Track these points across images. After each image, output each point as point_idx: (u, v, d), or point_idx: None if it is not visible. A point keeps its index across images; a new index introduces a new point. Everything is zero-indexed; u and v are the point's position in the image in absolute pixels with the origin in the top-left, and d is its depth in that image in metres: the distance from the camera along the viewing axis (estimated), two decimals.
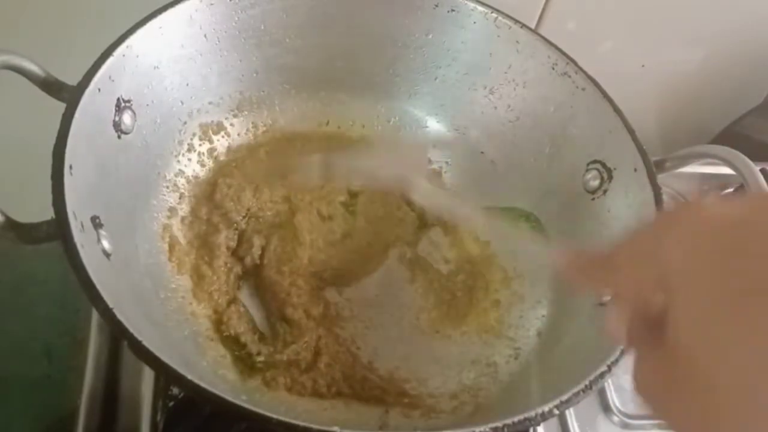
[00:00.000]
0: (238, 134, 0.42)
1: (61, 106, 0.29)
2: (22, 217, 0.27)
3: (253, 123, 0.43)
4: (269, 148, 0.42)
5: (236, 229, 0.38)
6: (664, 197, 0.34)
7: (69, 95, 0.29)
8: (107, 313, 0.24)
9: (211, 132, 0.40)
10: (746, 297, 0.15)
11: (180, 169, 0.38)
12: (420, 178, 0.33)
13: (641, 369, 0.18)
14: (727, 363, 0.15)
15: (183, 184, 0.38)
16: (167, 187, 0.37)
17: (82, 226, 0.27)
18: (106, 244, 0.29)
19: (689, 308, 0.16)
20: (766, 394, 0.14)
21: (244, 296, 0.37)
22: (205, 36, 0.37)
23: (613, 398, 0.41)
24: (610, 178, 0.37)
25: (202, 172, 0.40)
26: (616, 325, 0.20)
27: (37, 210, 0.27)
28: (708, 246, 0.16)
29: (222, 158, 0.41)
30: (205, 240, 0.37)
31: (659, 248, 0.17)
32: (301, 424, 0.23)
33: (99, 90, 0.30)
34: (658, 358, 0.17)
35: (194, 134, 0.39)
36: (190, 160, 0.39)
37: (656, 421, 0.41)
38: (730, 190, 0.54)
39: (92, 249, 0.27)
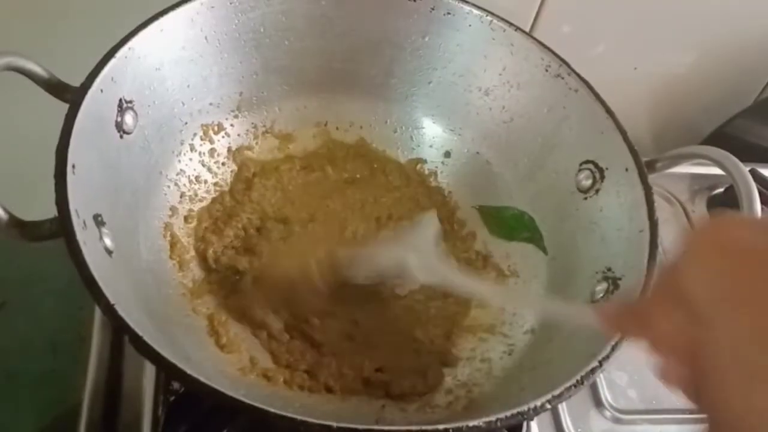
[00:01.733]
0: (238, 134, 0.43)
1: (64, 107, 0.29)
2: (26, 215, 0.27)
3: (252, 123, 0.43)
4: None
5: (240, 227, 0.39)
6: (655, 197, 0.34)
7: (72, 96, 0.30)
8: (109, 310, 0.25)
9: (211, 132, 0.41)
10: None
11: (181, 169, 0.39)
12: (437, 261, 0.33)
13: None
14: None
15: (184, 184, 0.39)
16: (168, 186, 0.38)
17: (85, 224, 0.27)
18: (108, 241, 0.29)
19: (730, 339, 0.14)
20: None
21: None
22: (205, 38, 0.38)
23: (605, 393, 0.42)
24: (603, 177, 0.37)
25: (202, 172, 0.40)
26: (669, 378, 0.18)
27: (40, 208, 0.27)
28: (729, 272, 0.15)
29: (221, 159, 0.42)
30: (207, 239, 0.38)
31: (685, 286, 0.16)
32: (299, 417, 0.24)
33: (101, 91, 0.31)
34: (718, 420, 0.15)
35: (195, 134, 0.40)
36: (191, 159, 0.40)
37: (648, 416, 0.42)
38: (720, 190, 0.55)
39: (94, 246, 0.28)
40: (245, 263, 0.37)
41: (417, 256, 0.33)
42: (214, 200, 0.40)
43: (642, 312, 0.19)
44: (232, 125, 0.42)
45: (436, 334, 0.37)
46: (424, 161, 0.46)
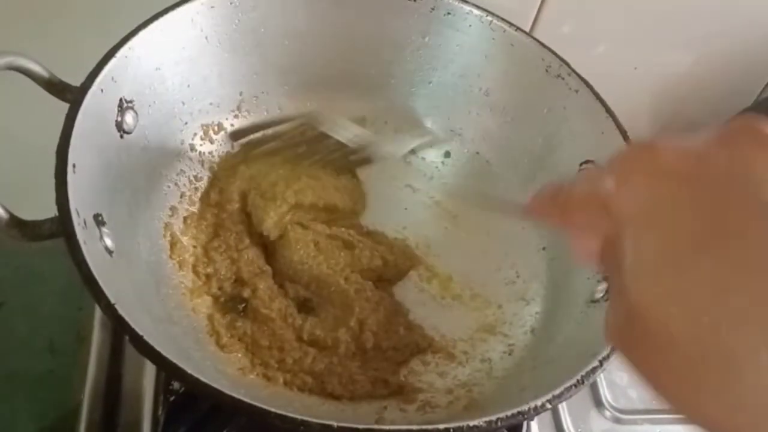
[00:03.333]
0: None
1: (64, 107, 0.29)
2: (26, 214, 0.27)
3: (252, 123, 0.43)
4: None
5: (241, 227, 0.39)
6: None
7: (72, 96, 0.30)
8: (109, 309, 0.25)
9: (212, 132, 0.41)
10: (698, 248, 0.14)
11: (181, 169, 0.39)
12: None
13: (610, 312, 0.17)
14: (680, 317, 0.14)
15: (184, 184, 0.39)
16: (169, 186, 0.38)
17: (85, 223, 0.27)
18: (108, 241, 0.29)
19: (639, 259, 0.15)
20: (718, 347, 0.13)
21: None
22: (206, 38, 0.38)
23: (605, 393, 0.42)
24: None
25: (202, 172, 0.40)
26: (582, 252, 0.19)
27: (40, 208, 0.27)
28: (661, 194, 0.15)
29: (222, 159, 0.42)
30: (207, 238, 0.38)
31: (612, 193, 0.17)
32: (299, 417, 0.24)
33: (102, 91, 0.31)
34: (620, 305, 0.16)
35: (195, 134, 0.40)
36: (191, 159, 0.40)
37: (648, 416, 0.42)
38: None
39: (95, 246, 0.28)
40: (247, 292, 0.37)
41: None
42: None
43: (562, 198, 0.20)
44: (232, 125, 0.42)
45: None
46: (413, 151, 0.45)
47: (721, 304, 0.14)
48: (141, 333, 0.24)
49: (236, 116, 0.42)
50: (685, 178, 0.15)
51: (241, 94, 0.42)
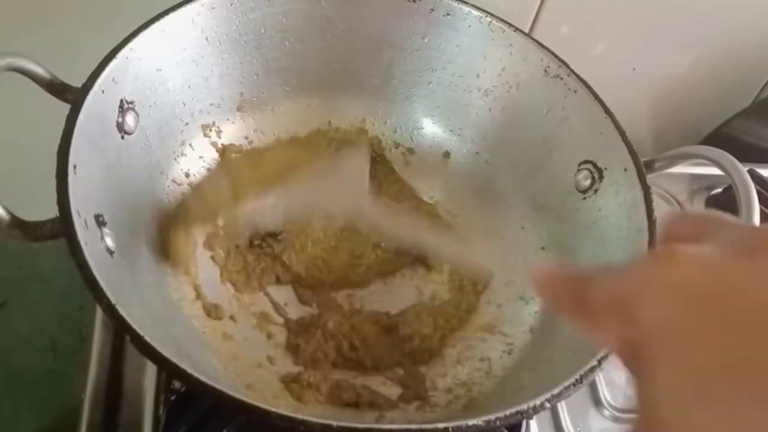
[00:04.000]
0: (239, 135, 0.43)
1: (65, 107, 0.30)
2: (28, 215, 0.27)
3: (253, 124, 0.43)
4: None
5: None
6: (654, 197, 0.35)
7: (73, 96, 0.30)
8: (110, 309, 0.25)
9: (212, 133, 0.41)
10: (727, 381, 0.13)
11: (182, 169, 0.39)
12: (365, 201, 0.31)
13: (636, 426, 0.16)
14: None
15: (185, 184, 0.39)
16: (169, 187, 0.38)
17: (86, 224, 0.27)
18: (109, 241, 0.29)
19: (663, 378, 0.14)
20: None
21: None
22: (206, 39, 0.38)
23: (604, 392, 0.42)
24: (601, 178, 0.38)
25: (203, 172, 0.40)
26: (603, 342, 0.18)
27: (42, 208, 0.27)
28: (690, 316, 0.15)
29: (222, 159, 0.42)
30: (207, 238, 0.38)
31: (637, 303, 0.16)
32: (299, 417, 0.24)
33: (103, 91, 0.31)
34: (643, 414, 0.15)
35: (196, 135, 0.40)
36: (191, 160, 0.40)
37: None
38: (719, 190, 0.55)
39: (96, 247, 0.28)
40: None
41: (343, 196, 0.32)
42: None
43: (582, 294, 0.18)
44: (232, 125, 0.42)
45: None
46: (413, 151, 0.46)
47: None
48: (142, 333, 0.25)
49: (236, 117, 0.42)
50: (711, 302, 0.14)
51: (241, 94, 0.42)
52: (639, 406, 0.16)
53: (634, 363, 0.16)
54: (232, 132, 0.42)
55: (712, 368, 0.14)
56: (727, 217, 0.17)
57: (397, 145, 0.46)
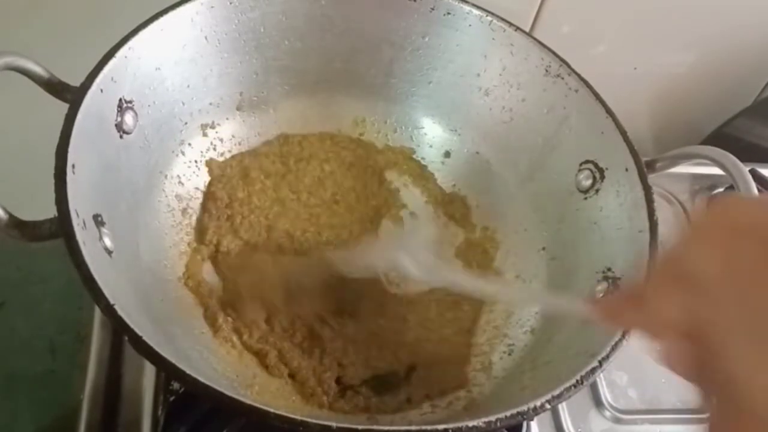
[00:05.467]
0: (239, 134, 0.43)
1: (64, 107, 0.29)
2: (26, 215, 0.27)
3: (252, 124, 0.43)
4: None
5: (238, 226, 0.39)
6: (655, 197, 0.34)
7: (72, 96, 0.30)
8: (109, 310, 0.25)
9: (211, 132, 0.41)
10: None
11: (181, 169, 0.39)
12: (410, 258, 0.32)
13: (713, 416, 0.15)
14: None
15: (184, 184, 0.39)
16: (168, 186, 0.38)
17: (84, 224, 0.27)
18: (107, 241, 0.29)
19: (738, 328, 0.14)
20: None
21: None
22: (205, 38, 0.38)
23: (605, 393, 0.42)
24: (602, 177, 0.37)
25: (203, 172, 0.40)
26: (674, 362, 0.18)
27: (40, 208, 0.27)
28: (738, 249, 0.14)
29: (222, 159, 0.42)
30: (206, 237, 0.38)
31: (692, 268, 0.15)
32: (299, 417, 0.24)
33: (101, 91, 0.31)
34: (724, 400, 0.15)
35: (195, 134, 0.40)
36: (191, 159, 0.40)
37: (648, 416, 0.42)
38: (720, 190, 0.55)
39: (94, 247, 0.28)
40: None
41: (409, 253, 0.33)
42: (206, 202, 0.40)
43: (640, 298, 0.18)
44: (232, 125, 0.42)
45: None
46: (413, 150, 0.46)
47: None
48: (140, 333, 0.25)
49: (236, 116, 0.42)
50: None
51: (241, 94, 0.42)
52: (712, 392, 0.15)
53: (705, 349, 0.15)
54: (231, 132, 0.42)
55: None
56: None
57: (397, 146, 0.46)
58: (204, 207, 0.39)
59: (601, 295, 0.34)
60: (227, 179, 0.40)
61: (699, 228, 0.16)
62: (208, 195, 0.40)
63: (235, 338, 0.35)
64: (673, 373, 0.18)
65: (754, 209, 0.15)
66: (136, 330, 0.25)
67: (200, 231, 0.38)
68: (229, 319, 0.35)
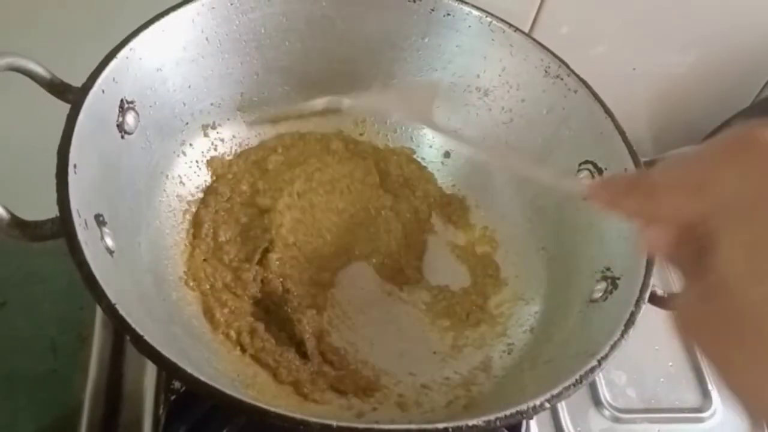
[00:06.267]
0: (240, 135, 0.43)
1: (65, 107, 0.30)
2: (27, 215, 0.27)
3: (253, 124, 0.43)
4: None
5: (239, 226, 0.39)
6: None
7: (73, 96, 0.30)
8: (110, 309, 0.25)
9: (212, 132, 0.41)
10: None
11: (182, 169, 0.39)
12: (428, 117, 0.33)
13: (685, 301, 0.16)
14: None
15: (185, 184, 0.39)
16: (169, 186, 0.38)
17: (86, 224, 0.27)
18: (109, 241, 0.29)
19: (742, 242, 0.15)
20: None
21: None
22: (206, 39, 0.38)
23: (604, 392, 0.42)
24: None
25: (203, 173, 0.40)
26: (656, 244, 0.18)
27: (41, 208, 0.27)
28: (758, 169, 0.15)
29: (223, 158, 0.42)
30: (206, 238, 0.38)
31: (712, 178, 0.16)
32: (299, 416, 0.24)
33: (103, 91, 0.31)
34: (703, 293, 0.16)
35: (196, 135, 0.40)
36: (191, 160, 0.40)
37: (647, 415, 0.42)
38: None
39: (96, 246, 0.28)
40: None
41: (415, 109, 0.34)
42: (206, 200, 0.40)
43: (647, 184, 0.19)
44: (233, 126, 0.42)
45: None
46: (413, 151, 0.46)
47: None
48: (142, 333, 0.25)
49: (237, 117, 0.42)
50: None
51: (242, 94, 0.42)
52: (684, 291, 0.16)
53: (691, 248, 0.16)
54: (232, 132, 0.42)
55: None
56: None
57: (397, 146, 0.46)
58: (203, 201, 0.39)
59: (600, 294, 0.34)
60: (232, 175, 0.40)
61: (728, 144, 0.17)
62: (210, 190, 0.39)
63: (232, 333, 0.35)
64: (652, 251, 0.19)
65: None
66: (138, 329, 0.25)
67: (196, 225, 0.38)
68: (225, 310, 0.35)
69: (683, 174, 0.17)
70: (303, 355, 0.35)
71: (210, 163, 0.41)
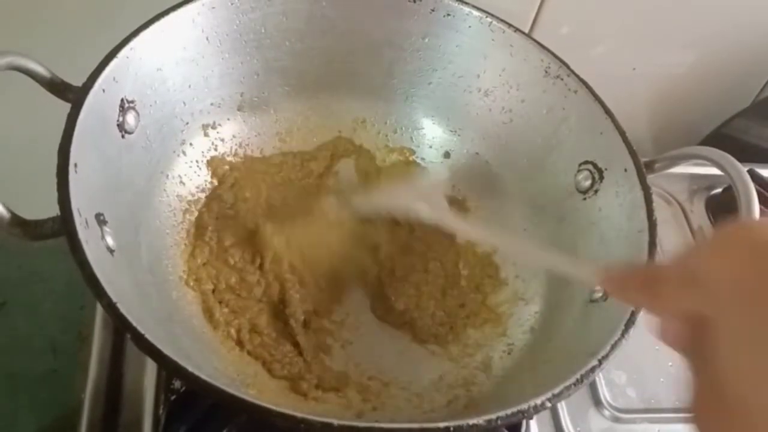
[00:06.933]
0: (240, 135, 0.43)
1: (66, 106, 0.30)
2: (28, 214, 0.27)
3: (253, 124, 0.43)
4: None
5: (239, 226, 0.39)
6: (654, 197, 0.35)
7: (74, 96, 0.30)
8: (111, 308, 0.25)
9: (212, 132, 0.41)
10: None
11: (182, 169, 0.39)
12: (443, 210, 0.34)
13: (693, 387, 0.17)
14: (764, 396, 0.14)
15: (185, 183, 0.39)
16: (169, 186, 0.38)
17: (87, 223, 0.27)
18: (110, 240, 0.29)
19: (732, 334, 0.15)
20: None
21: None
22: (207, 39, 0.38)
23: (604, 392, 0.42)
24: (602, 178, 0.38)
25: (204, 172, 0.41)
26: (665, 337, 0.19)
27: (42, 207, 0.27)
28: (761, 265, 0.15)
29: (224, 159, 0.42)
30: (209, 241, 0.38)
31: (707, 270, 0.17)
32: (299, 415, 0.24)
33: (103, 91, 0.31)
34: (706, 379, 0.16)
35: (196, 134, 0.40)
36: (192, 159, 0.40)
37: (646, 415, 0.42)
38: (719, 190, 0.55)
39: (96, 245, 0.28)
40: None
41: (423, 198, 0.35)
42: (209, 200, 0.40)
43: (651, 281, 0.20)
44: (233, 125, 0.42)
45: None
46: (413, 151, 0.46)
47: None
48: (143, 331, 0.25)
49: (237, 117, 0.42)
50: None
51: (242, 94, 0.42)
52: (702, 374, 0.16)
53: (699, 338, 0.16)
54: (232, 132, 0.42)
55: None
56: None
57: (396, 146, 0.46)
58: (207, 206, 0.39)
59: (599, 295, 0.34)
60: (235, 180, 0.40)
61: (719, 239, 0.18)
62: (213, 196, 0.40)
63: (233, 331, 0.35)
64: (665, 344, 0.19)
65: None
66: (139, 328, 0.25)
67: (199, 227, 0.38)
68: (225, 310, 0.35)
69: (681, 268, 0.18)
70: (300, 352, 0.35)
71: (210, 162, 0.41)
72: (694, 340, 0.17)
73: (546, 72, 0.40)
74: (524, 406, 0.26)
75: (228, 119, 0.42)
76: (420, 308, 0.38)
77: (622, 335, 0.29)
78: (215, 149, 0.41)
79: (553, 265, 0.32)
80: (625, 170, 0.36)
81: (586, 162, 0.38)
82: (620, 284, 0.22)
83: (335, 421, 0.24)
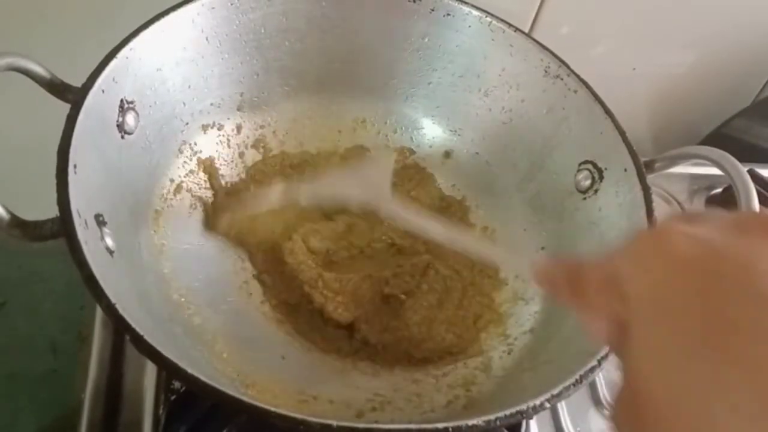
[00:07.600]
0: (239, 135, 0.43)
1: (65, 107, 0.30)
2: (28, 215, 0.27)
3: (253, 124, 0.43)
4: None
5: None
6: (654, 197, 0.35)
7: (73, 96, 0.30)
8: (110, 309, 0.25)
9: (212, 133, 0.41)
10: (707, 342, 0.14)
11: (182, 169, 0.39)
12: (386, 199, 0.33)
13: (619, 390, 0.17)
14: (678, 404, 0.14)
15: (185, 184, 0.39)
16: (169, 186, 0.38)
17: (86, 223, 0.27)
18: (109, 241, 0.29)
19: (647, 342, 0.15)
20: None
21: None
22: (206, 39, 0.38)
23: (604, 392, 0.42)
24: (601, 178, 0.38)
25: (202, 174, 0.41)
26: (598, 335, 0.19)
27: (42, 208, 0.27)
28: (675, 281, 0.15)
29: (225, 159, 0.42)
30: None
31: (628, 277, 0.17)
32: (299, 416, 0.24)
33: (103, 91, 0.31)
34: (626, 386, 0.16)
35: (196, 135, 0.40)
36: (191, 160, 0.40)
37: None
38: (718, 190, 0.55)
39: (96, 246, 0.28)
40: None
41: (372, 190, 0.34)
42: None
43: (576, 276, 0.20)
44: (232, 126, 0.42)
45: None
46: (413, 152, 0.46)
47: (719, 400, 0.14)
48: (142, 333, 0.25)
49: (236, 117, 0.42)
50: (697, 268, 0.15)
51: (241, 94, 0.42)
52: (624, 376, 0.17)
53: (622, 340, 0.17)
54: (232, 132, 0.42)
55: (694, 330, 0.14)
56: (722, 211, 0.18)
57: (396, 146, 0.46)
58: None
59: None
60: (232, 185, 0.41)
61: (641, 245, 0.17)
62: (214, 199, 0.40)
63: None
64: (597, 341, 0.20)
65: (690, 246, 0.16)
66: (138, 329, 0.25)
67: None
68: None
69: (605, 270, 0.18)
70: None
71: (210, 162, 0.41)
72: (618, 340, 0.17)
73: (546, 72, 0.40)
74: (524, 407, 0.26)
75: (228, 119, 0.42)
76: (433, 339, 0.37)
77: None
78: (215, 149, 0.41)
79: (488, 257, 0.32)
80: (625, 170, 0.36)
81: (586, 162, 0.38)
82: (548, 278, 0.22)
83: (334, 422, 0.24)
